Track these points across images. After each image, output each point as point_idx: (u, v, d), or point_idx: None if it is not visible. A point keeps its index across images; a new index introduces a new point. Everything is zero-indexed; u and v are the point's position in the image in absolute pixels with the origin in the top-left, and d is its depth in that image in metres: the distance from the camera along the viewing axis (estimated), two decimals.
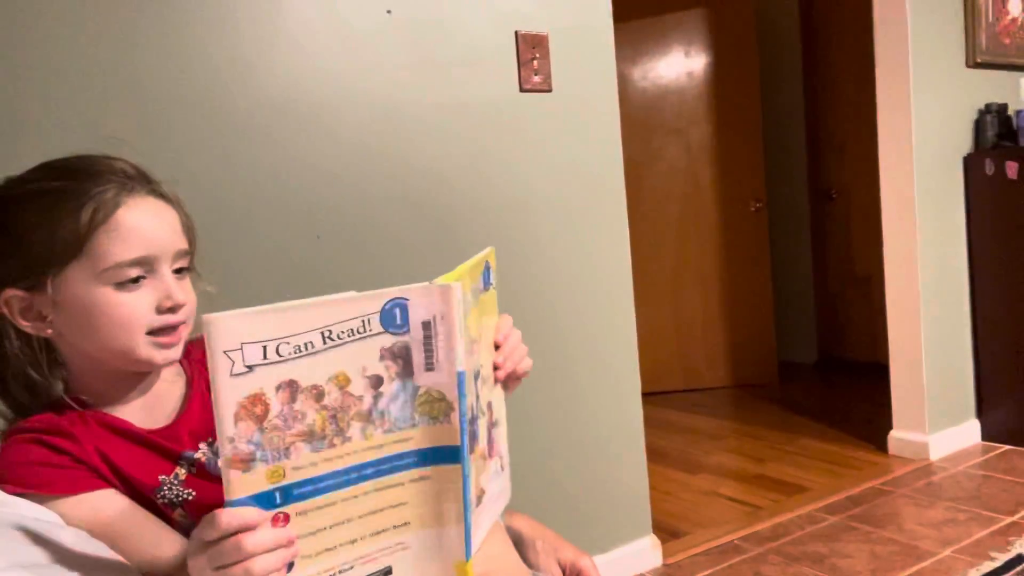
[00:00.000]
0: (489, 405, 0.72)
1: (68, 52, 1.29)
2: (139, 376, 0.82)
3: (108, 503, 0.74)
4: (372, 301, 0.58)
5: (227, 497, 0.56)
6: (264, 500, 0.57)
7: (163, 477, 0.78)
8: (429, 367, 0.61)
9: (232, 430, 0.55)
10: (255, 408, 0.55)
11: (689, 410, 3.68)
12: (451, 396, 0.61)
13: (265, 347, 0.55)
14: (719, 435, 3.25)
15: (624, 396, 2.02)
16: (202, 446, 0.82)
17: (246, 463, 0.56)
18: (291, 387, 0.56)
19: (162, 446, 0.80)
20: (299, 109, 1.53)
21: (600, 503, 1.98)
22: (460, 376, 0.61)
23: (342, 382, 0.58)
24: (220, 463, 0.56)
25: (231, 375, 0.54)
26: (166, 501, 0.78)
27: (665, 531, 2.26)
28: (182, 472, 0.79)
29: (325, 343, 0.57)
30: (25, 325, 0.76)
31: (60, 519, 0.71)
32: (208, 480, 0.80)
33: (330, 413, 0.58)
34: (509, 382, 0.80)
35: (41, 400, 0.80)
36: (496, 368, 0.75)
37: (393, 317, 0.59)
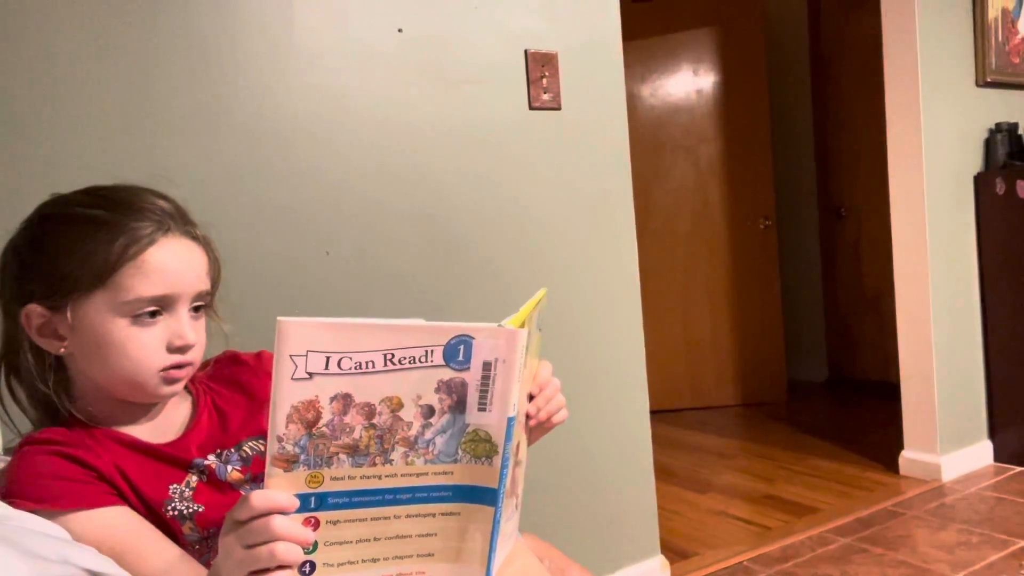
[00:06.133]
0: (518, 446, 0.73)
1: (87, 68, 1.31)
2: (144, 405, 0.83)
3: (118, 520, 0.74)
4: (438, 333, 0.59)
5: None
6: (300, 502, 0.59)
7: (174, 487, 0.78)
8: (482, 407, 0.61)
9: (283, 429, 0.57)
10: (307, 413, 0.58)
11: (698, 428, 3.66)
12: (498, 440, 0.62)
13: (328, 358, 0.57)
14: (728, 454, 3.23)
15: (632, 414, 2.01)
16: (211, 456, 0.82)
17: (289, 464, 0.58)
18: (345, 400, 0.58)
19: (172, 456, 0.80)
20: (309, 126, 1.54)
21: (608, 522, 1.97)
22: (510, 422, 0.62)
23: (395, 406, 0.60)
24: (266, 459, 0.58)
25: (292, 378, 0.57)
26: (176, 514, 0.78)
27: (673, 551, 2.24)
28: (193, 480, 0.80)
29: (386, 365, 0.59)
30: (40, 341, 0.78)
31: (68, 535, 0.70)
32: (218, 491, 0.80)
33: (377, 432, 0.60)
34: (537, 431, 0.79)
35: (52, 417, 0.81)
36: (528, 417, 0.76)
37: (456, 353, 0.60)
